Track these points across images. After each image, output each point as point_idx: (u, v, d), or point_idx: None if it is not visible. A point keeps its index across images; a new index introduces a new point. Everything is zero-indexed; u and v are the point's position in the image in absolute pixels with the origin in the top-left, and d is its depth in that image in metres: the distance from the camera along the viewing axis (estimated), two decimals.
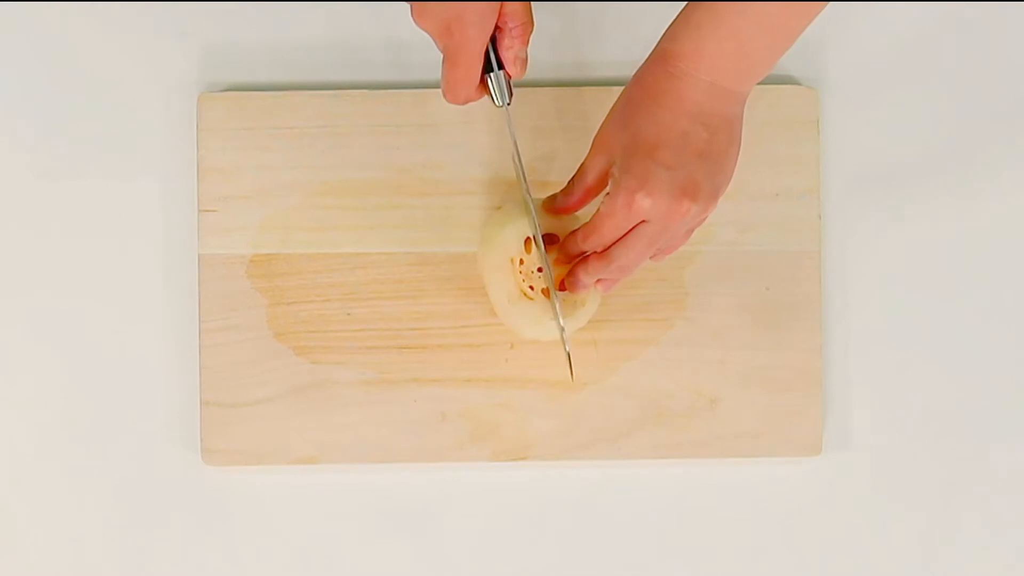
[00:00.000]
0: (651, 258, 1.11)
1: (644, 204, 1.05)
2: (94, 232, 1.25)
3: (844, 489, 1.25)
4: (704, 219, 1.09)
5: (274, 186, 1.23)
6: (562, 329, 1.15)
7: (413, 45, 1.24)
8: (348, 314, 1.22)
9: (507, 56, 1.10)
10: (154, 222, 1.24)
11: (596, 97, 1.23)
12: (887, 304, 1.25)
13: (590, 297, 1.16)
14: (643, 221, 1.07)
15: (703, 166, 1.06)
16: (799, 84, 1.25)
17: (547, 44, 1.24)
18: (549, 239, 1.15)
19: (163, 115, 1.24)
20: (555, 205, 1.14)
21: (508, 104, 1.11)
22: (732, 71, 1.05)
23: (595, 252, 1.11)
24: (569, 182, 1.13)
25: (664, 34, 1.07)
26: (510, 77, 1.11)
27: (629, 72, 1.09)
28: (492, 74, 1.10)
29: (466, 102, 1.11)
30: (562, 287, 1.15)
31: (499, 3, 1.08)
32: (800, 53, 1.24)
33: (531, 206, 1.14)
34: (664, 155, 1.05)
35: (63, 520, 1.24)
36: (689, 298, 1.23)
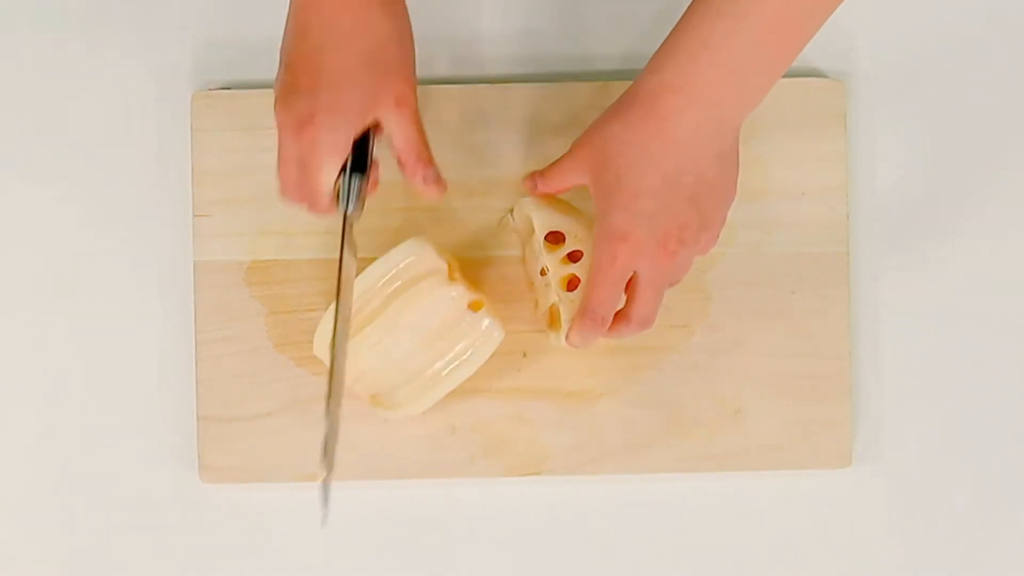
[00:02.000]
0: None
1: (629, 257, 1.05)
2: (83, 238, 1.23)
3: (876, 503, 1.23)
4: (708, 248, 1.09)
5: (272, 189, 1.16)
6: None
7: (417, 40, 1.19)
8: None
9: (418, 185, 1.10)
10: (146, 228, 1.23)
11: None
12: (919, 308, 1.23)
13: None
14: (636, 273, 1.07)
15: (690, 207, 1.05)
16: (825, 76, 1.23)
17: (573, 37, 1.24)
18: (556, 237, 1.15)
19: (154, 115, 1.23)
20: (531, 184, 1.14)
21: (356, 215, 1.10)
22: (723, 98, 1.04)
23: (616, 318, 1.09)
24: (550, 169, 1.13)
25: (647, 67, 1.06)
26: (367, 187, 1.10)
27: None
28: (344, 175, 1.09)
29: (313, 209, 1.10)
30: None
31: (364, 120, 1.07)
32: (826, 43, 1.22)
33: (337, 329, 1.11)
34: (646, 204, 1.05)
35: (55, 540, 1.23)
36: (711, 303, 1.22)
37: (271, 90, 1.19)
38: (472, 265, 1.21)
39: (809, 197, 1.21)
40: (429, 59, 1.21)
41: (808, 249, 1.21)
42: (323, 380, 1.17)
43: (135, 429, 1.22)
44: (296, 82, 1.06)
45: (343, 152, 1.07)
